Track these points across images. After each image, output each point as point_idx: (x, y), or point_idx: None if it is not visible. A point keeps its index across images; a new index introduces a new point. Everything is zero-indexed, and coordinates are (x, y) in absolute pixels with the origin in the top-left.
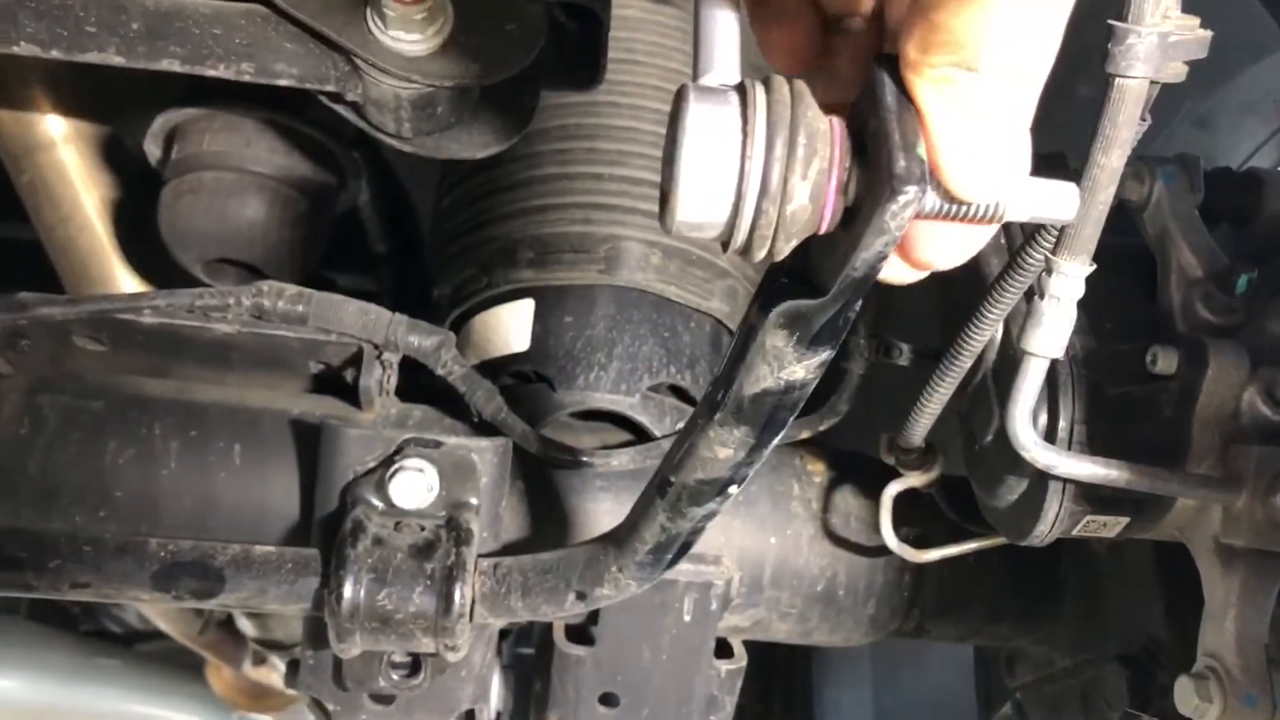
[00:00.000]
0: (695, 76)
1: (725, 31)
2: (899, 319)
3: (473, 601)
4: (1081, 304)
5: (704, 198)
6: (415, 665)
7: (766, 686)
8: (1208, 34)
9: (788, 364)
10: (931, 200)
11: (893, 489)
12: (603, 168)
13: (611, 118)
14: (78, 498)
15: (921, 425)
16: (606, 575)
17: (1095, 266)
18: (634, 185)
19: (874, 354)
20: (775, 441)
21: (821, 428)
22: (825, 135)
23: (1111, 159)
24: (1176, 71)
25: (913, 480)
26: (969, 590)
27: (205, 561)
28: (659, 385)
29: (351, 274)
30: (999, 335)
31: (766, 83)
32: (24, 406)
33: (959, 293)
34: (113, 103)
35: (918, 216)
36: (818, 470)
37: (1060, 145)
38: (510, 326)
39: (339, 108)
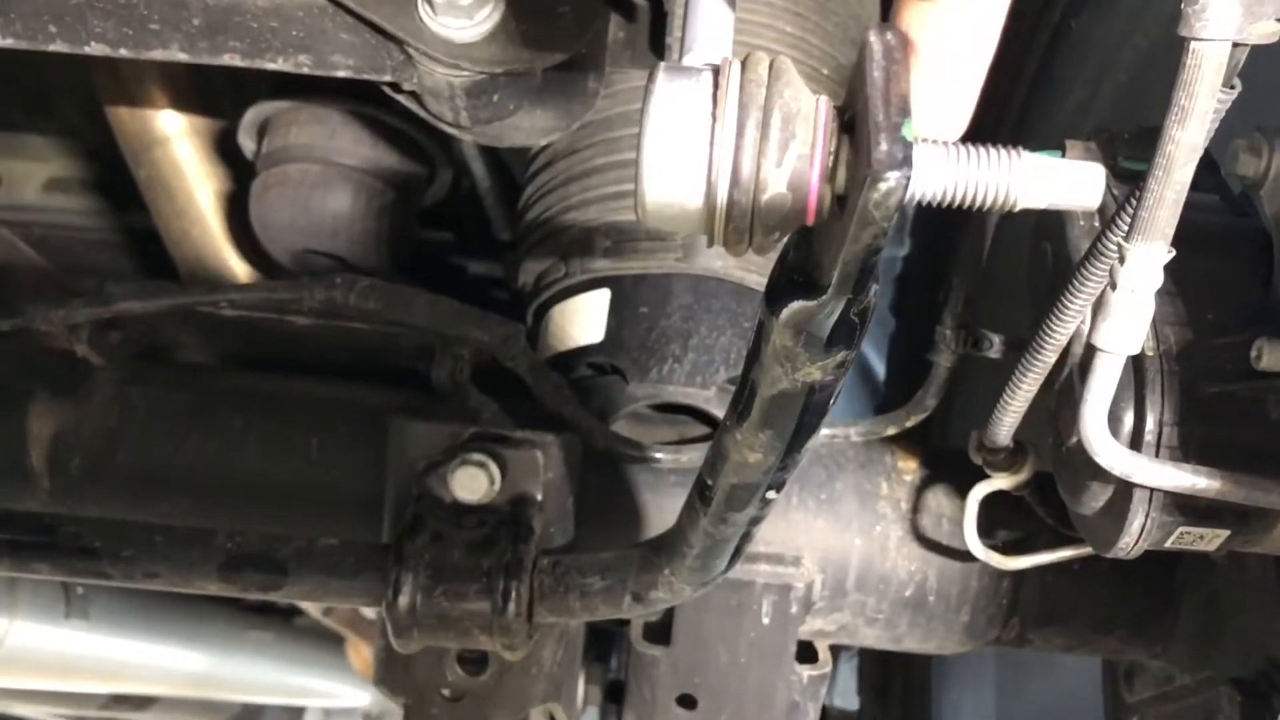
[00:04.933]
0: (679, 55)
1: (715, 5)
2: (993, 307)
3: (530, 600)
4: (1181, 293)
5: (671, 187)
6: (482, 661)
7: (885, 686)
8: None
9: (801, 365)
10: (926, 185)
11: (978, 491)
12: None
13: None
14: (163, 487)
15: (1007, 424)
16: (660, 579)
17: (1174, 253)
18: None
19: (962, 346)
20: (808, 445)
21: (908, 424)
22: (807, 117)
23: (1189, 133)
24: (1267, 32)
25: (1000, 482)
26: (1074, 599)
27: (269, 554)
28: (736, 377)
29: (482, 260)
30: (1086, 328)
31: (745, 61)
32: (115, 397)
33: (1050, 280)
34: (222, 98)
35: (912, 202)
36: (909, 468)
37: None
38: (585, 317)
39: (399, 97)
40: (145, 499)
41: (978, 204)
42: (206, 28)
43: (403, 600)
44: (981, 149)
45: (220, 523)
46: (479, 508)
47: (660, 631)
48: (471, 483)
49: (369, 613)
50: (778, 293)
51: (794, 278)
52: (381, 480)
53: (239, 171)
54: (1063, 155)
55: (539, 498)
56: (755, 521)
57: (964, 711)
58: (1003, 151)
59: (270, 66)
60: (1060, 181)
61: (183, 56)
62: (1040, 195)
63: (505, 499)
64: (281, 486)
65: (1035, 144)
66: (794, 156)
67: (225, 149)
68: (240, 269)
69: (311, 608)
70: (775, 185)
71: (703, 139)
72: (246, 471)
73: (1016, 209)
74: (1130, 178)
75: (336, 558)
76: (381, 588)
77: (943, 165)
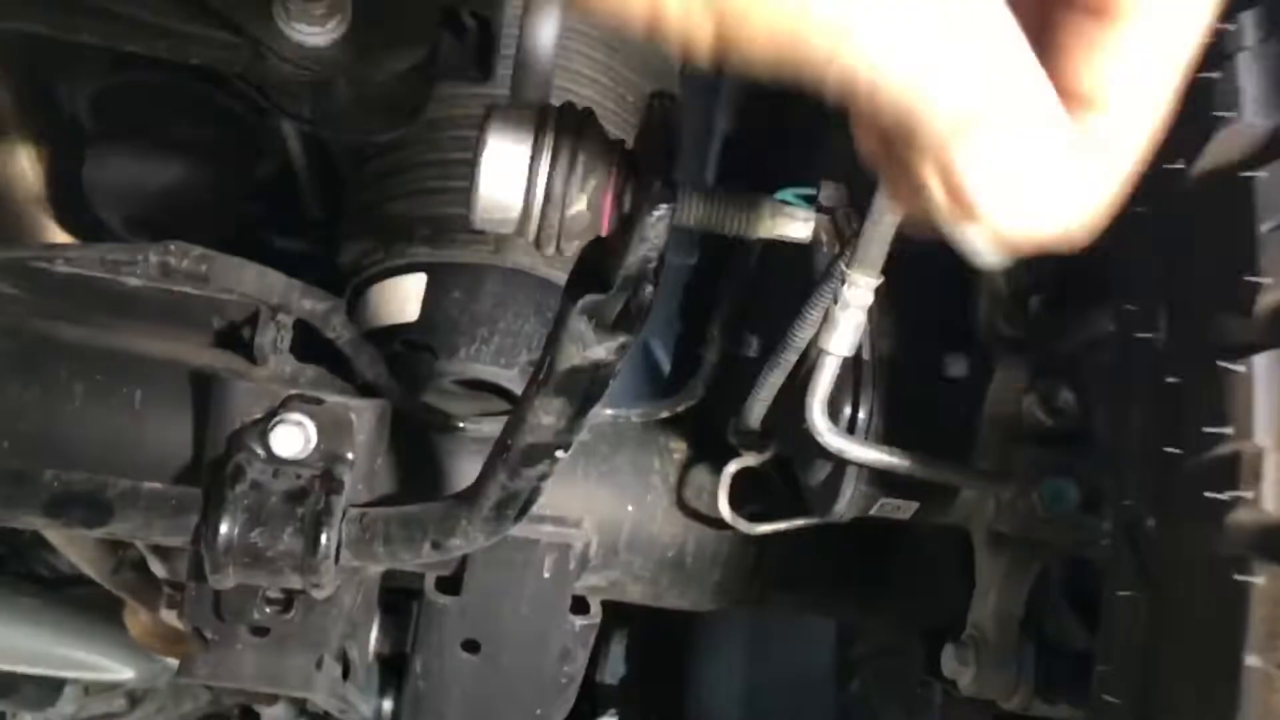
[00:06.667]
0: (512, 94)
1: (541, 52)
2: (763, 315)
3: (338, 545)
4: (894, 311)
5: (498, 201)
6: (288, 602)
7: (648, 655)
8: None
9: (590, 345)
10: (689, 215)
11: (731, 467)
12: None
13: None
14: None
15: (756, 410)
16: (458, 528)
17: (883, 279)
18: None
19: (726, 344)
20: (591, 412)
21: (679, 409)
22: (606, 157)
23: None
24: None
25: (749, 460)
26: (807, 565)
27: (96, 494)
28: (537, 360)
29: (288, 237)
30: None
31: (562, 109)
32: None
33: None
34: (49, 60)
35: (675, 228)
36: (679, 448)
37: None
38: (402, 298)
39: (246, 87)
40: None
41: (726, 231)
42: (68, 6)
43: (222, 539)
44: (731, 193)
45: (42, 467)
46: (295, 462)
47: (451, 583)
48: (289, 439)
49: (160, 572)
50: (576, 286)
51: (589, 275)
52: (202, 434)
53: (61, 132)
54: (819, 192)
55: (351, 456)
56: (543, 477)
57: (717, 677)
58: (748, 196)
59: (128, 48)
60: (784, 220)
61: (40, 29)
62: (768, 229)
63: (319, 456)
64: (104, 436)
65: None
66: (592, 185)
67: (47, 109)
68: (56, 227)
69: (94, 569)
70: (578, 205)
71: (524, 168)
72: (69, 419)
73: (752, 237)
74: None
75: (160, 499)
76: (202, 527)
77: (702, 203)
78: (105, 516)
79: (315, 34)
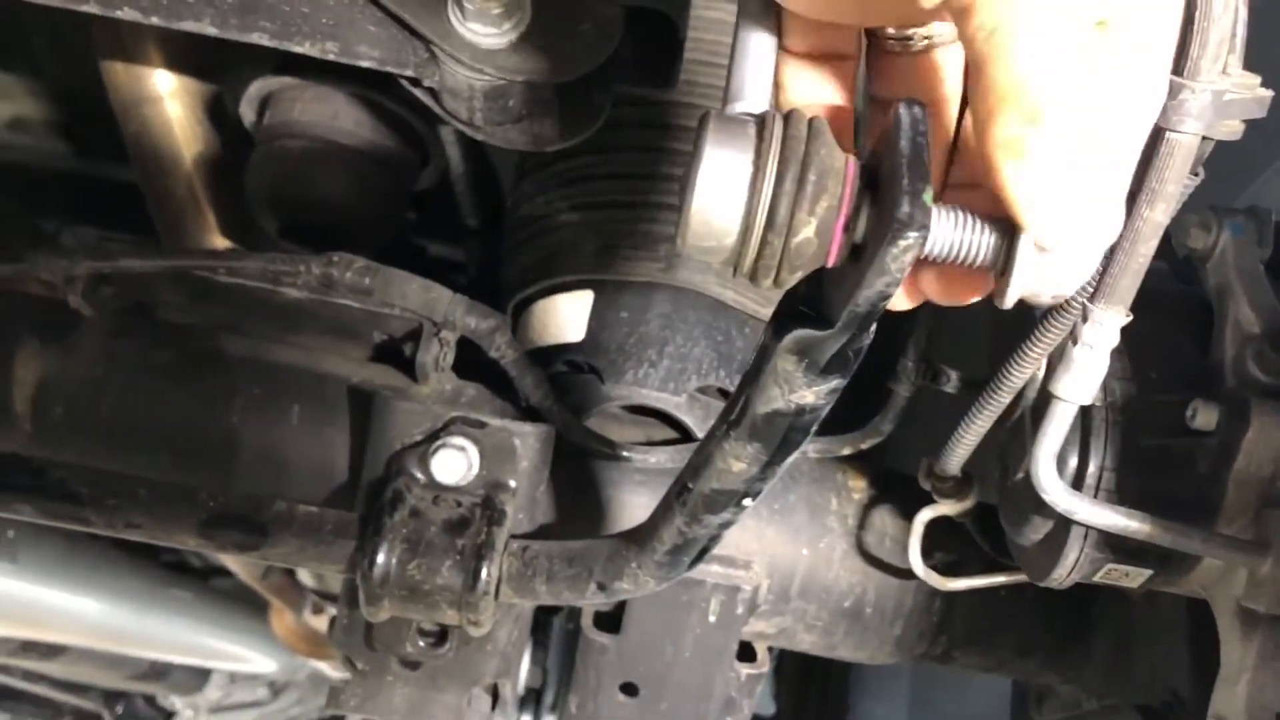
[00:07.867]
0: (724, 102)
1: (759, 59)
2: (952, 346)
3: (499, 580)
4: (1128, 351)
5: (712, 224)
6: (442, 635)
7: (802, 692)
8: (1268, 94)
9: (798, 388)
10: (936, 244)
11: (925, 515)
12: (674, 169)
13: (688, 120)
14: (143, 441)
15: (958, 455)
16: (626, 570)
17: (1131, 317)
18: None
19: (922, 378)
20: (789, 460)
21: (863, 446)
22: (838, 173)
23: (1155, 213)
24: (1231, 129)
25: (946, 508)
26: (999, 622)
27: (251, 515)
28: (707, 387)
29: (442, 243)
30: (1040, 374)
31: (788, 117)
32: (102, 349)
33: (1009, 326)
34: (219, 64)
35: (923, 260)
36: (859, 487)
37: None
38: (567, 316)
39: (416, 91)
40: (124, 451)
41: (974, 264)
42: (239, 6)
43: (378, 570)
44: (984, 220)
45: (198, 481)
46: (455, 489)
47: (610, 620)
48: (451, 465)
49: (308, 580)
50: (785, 321)
51: (802, 309)
52: (360, 453)
53: (226, 137)
54: None
55: (513, 484)
56: (726, 525)
57: None
58: (996, 222)
59: (297, 49)
60: (1046, 264)
61: (213, 31)
62: (1025, 285)
63: (481, 483)
64: (260, 450)
65: None
66: (823, 207)
67: (214, 114)
68: (218, 232)
69: (245, 571)
70: (805, 231)
71: (744, 185)
72: (227, 432)
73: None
74: None
75: (315, 524)
76: (358, 556)
77: (952, 229)
78: (259, 540)
79: (491, 35)
